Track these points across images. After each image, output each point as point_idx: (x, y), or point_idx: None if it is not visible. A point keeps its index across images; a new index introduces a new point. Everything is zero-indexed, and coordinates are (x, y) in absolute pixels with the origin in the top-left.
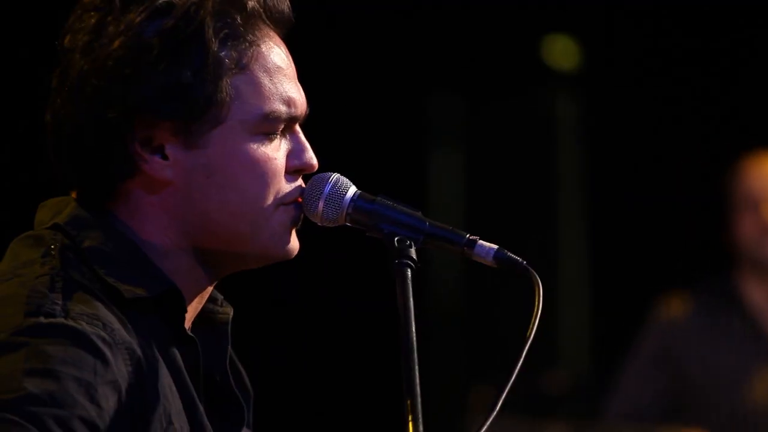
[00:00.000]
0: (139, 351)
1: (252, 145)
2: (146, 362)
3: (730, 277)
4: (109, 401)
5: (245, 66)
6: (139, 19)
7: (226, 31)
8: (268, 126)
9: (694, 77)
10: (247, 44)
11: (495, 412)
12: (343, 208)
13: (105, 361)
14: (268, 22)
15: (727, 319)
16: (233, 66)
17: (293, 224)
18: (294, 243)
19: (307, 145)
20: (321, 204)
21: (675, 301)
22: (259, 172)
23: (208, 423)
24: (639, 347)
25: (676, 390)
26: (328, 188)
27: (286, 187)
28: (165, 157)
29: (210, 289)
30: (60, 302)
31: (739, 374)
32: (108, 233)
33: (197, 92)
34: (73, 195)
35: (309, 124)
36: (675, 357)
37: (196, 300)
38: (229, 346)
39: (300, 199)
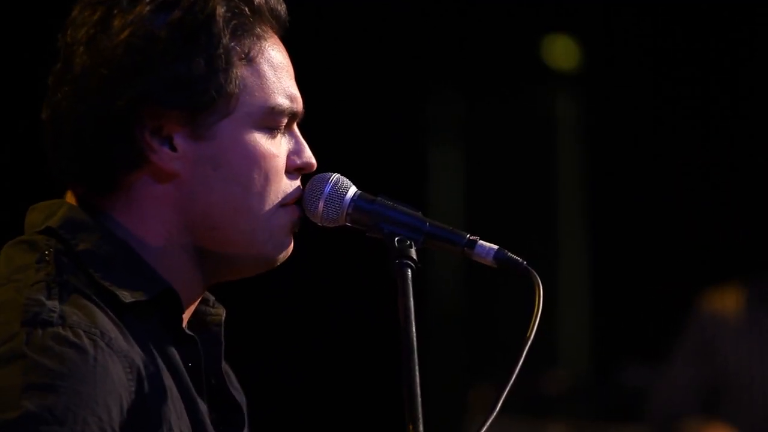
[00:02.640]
0: (138, 359)
1: (258, 139)
2: (145, 369)
3: None
4: (111, 412)
5: (252, 59)
6: (147, 10)
7: (236, 22)
8: (273, 120)
9: (695, 77)
10: (255, 37)
11: (495, 412)
12: (343, 208)
13: (104, 371)
14: (270, 20)
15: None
16: (242, 57)
17: (293, 227)
18: (290, 246)
19: (306, 144)
20: (321, 204)
21: (720, 294)
22: (264, 167)
23: (210, 423)
24: (682, 341)
25: (715, 386)
26: (328, 188)
27: (287, 186)
28: (173, 149)
29: (203, 291)
30: (57, 310)
31: None
32: (102, 235)
33: (208, 82)
34: (67, 197)
35: (308, 122)
36: (716, 352)
37: (191, 300)
38: (223, 348)
39: (295, 203)
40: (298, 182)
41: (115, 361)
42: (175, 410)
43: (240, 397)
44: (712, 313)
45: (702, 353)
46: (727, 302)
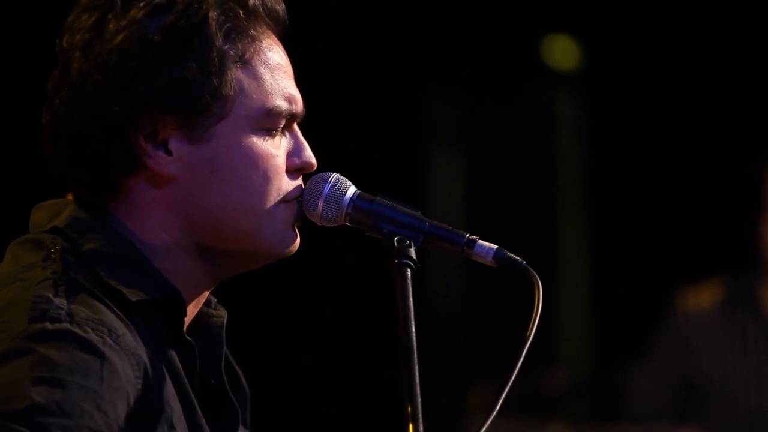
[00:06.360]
0: (144, 356)
1: (255, 141)
2: (151, 367)
3: (752, 277)
4: (117, 408)
5: (247, 61)
6: (141, 14)
7: (229, 25)
8: (270, 121)
9: (695, 77)
10: (250, 39)
11: (495, 412)
12: (342, 208)
13: (111, 367)
14: (267, 20)
15: (743, 319)
16: (237, 60)
17: (296, 221)
18: (296, 240)
19: (306, 144)
20: (320, 203)
21: (696, 292)
22: (263, 168)
23: (206, 426)
24: (657, 339)
25: (691, 385)
26: (327, 188)
27: (287, 185)
28: (169, 153)
29: (207, 292)
30: (65, 307)
31: (750, 377)
32: (108, 235)
33: (203, 86)
34: (70, 197)
35: (308, 123)
36: (691, 350)
37: (194, 303)
38: (224, 349)
39: (296, 200)
40: (299, 181)
41: (123, 358)
42: (175, 410)
43: (243, 394)
44: (687, 312)
45: (678, 351)
46: (703, 301)
